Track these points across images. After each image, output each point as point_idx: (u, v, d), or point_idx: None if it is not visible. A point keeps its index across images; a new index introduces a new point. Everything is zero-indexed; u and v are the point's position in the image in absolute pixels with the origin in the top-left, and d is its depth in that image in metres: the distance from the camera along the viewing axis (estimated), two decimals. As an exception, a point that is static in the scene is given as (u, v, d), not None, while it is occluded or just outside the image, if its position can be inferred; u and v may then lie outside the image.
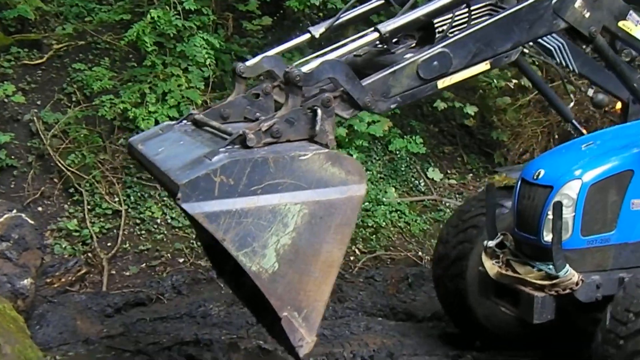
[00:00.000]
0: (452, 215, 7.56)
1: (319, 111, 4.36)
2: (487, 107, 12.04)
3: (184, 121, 5.39)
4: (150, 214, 9.39)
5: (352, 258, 9.41)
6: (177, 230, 9.38)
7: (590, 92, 6.63)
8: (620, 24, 5.25)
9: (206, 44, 9.76)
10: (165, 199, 9.52)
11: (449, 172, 11.67)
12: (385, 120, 10.58)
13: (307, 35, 5.66)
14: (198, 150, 4.49)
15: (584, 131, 6.87)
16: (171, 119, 9.16)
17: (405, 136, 11.03)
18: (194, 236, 9.22)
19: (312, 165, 4.14)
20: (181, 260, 9.06)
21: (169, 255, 9.10)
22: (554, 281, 5.53)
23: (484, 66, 4.92)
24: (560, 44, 6.12)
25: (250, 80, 5.58)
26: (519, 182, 6.03)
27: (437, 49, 4.70)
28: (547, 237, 5.65)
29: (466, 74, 4.87)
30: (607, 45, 5.37)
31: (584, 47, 6.45)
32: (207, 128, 5.07)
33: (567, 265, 5.51)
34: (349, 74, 4.49)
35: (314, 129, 4.37)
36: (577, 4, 5.01)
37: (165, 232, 9.33)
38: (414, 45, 5.29)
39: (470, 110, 11.31)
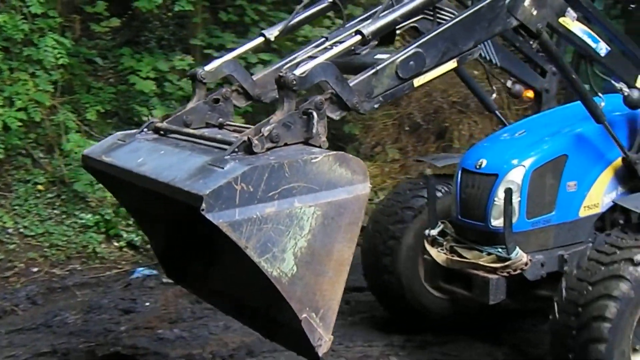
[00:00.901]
0: (379, 205, 7.78)
1: (314, 114, 4.46)
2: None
3: (145, 130, 5.33)
4: (1, 223, 9.13)
5: None
6: (29, 239, 9.18)
7: (509, 83, 7.06)
8: (561, 20, 5.62)
9: (58, 45, 9.54)
10: (16, 207, 9.32)
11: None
12: (237, 118, 10.61)
13: (261, 39, 5.72)
14: (194, 159, 4.48)
15: (506, 122, 7.31)
16: (21, 121, 9.13)
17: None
18: (47, 244, 9.12)
19: (322, 167, 4.23)
20: (35, 269, 8.89)
21: (22, 265, 8.91)
22: (506, 263, 5.88)
23: (452, 64, 5.12)
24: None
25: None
26: (460, 172, 6.35)
27: (411, 49, 4.88)
28: (495, 222, 6.02)
29: (437, 72, 5.06)
30: (550, 40, 5.77)
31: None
32: (180, 136, 5.05)
33: (517, 247, 5.88)
34: (339, 76, 4.60)
35: (310, 132, 4.46)
36: (526, 3, 5.33)
37: (18, 241, 9.11)
38: (375, 45, 5.45)
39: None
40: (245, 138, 4.32)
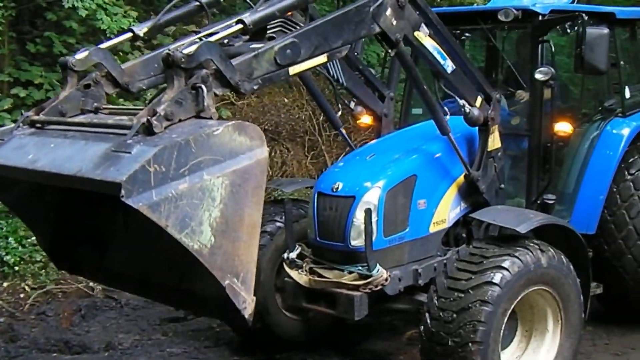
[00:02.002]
0: None
1: (203, 87, 4.57)
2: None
3: (21, 125, 5.19)
4: None
5: (22, 295, 9.19)
6: None
7: (352, 104, 7.38)
8: (416, 33, 6.02)
9: None
10: None
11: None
12: None
13: (129, 34, 5.75)
14: (93, 147, 4.46)
15: (349, 140, 7.66)
16: None
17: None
18: None
19: (224, 138, 4.35)
20: None
21: None
22: (368, 280, 6.14)
23: (323, 58, 5.44)
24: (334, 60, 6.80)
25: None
26: (316, 195, 6.57)
27: (289, 38, 5.17)
28: (354, 242, 6.28)
29: (310, 64, 5.37)
30: (407, 52, 6.17)
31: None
32: (63, 126, 4.99)
33: (378, 265, 6.17)
34: (222, 55, 4.76)
35: (201, 105, 4.59)
36: (388, 12, 5.72)
37: None
38: (247, 40, 5.63)
39: None
40: (144, 120, 4.36)
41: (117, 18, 10.42)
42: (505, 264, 5.96)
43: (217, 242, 4.24)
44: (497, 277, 5.89)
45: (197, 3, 5.94)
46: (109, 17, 10.35)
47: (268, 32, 5.79)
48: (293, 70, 5.23)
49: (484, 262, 6.02)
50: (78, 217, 5.51)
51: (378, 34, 5.79)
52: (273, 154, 12.37)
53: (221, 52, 4.75)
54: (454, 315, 5.86)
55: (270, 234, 7.21)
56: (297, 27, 6.21)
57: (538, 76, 6.98)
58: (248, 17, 5.06)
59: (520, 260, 6.03)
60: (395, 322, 8.12)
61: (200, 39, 5.02)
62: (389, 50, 6.02)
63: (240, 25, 5.04)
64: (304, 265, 6.57)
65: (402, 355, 7.59)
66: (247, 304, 4.42)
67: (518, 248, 6.15)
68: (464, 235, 7.01)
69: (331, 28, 5.41)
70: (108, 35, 10.29)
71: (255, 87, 5.00)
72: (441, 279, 6.13)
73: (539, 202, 7.32)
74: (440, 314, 5.93)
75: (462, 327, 5.80)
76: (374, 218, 6.24)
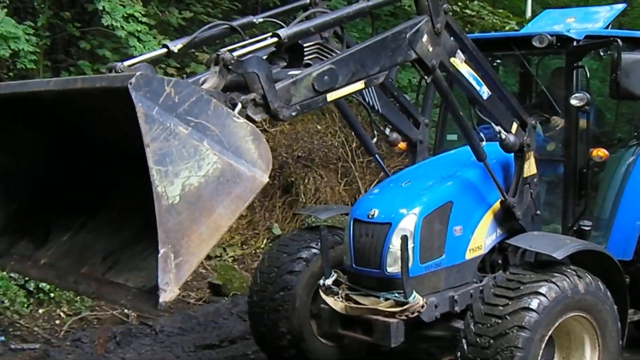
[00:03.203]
0: (265, 257, 7.80)
1: (237, 108, 4.53)
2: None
3: None
4: None
5: (57, 322, 9.27)
6: None
7: (387, 131, 7.40)
8: (452, 60, 6.04)
9: None
10: None
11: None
12: None
13: (164, 50, 5.73)
14: None
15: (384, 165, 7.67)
16: None
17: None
18: None
19: (239, 130, 4.29)
20: None
21: None
22: (404, 307, 6.13)
23: (360, 85, 5.43)
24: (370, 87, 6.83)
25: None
26: (352, 222, 6.57)
27: (326, 64, 5.15)
28: (390, 268, 6.27)
29: (348, 90, 5.36)
30: (443, 78, 6.16)
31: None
32: None
33: (414, 291, 6.17)
34: (270, 75, 4.75)
35: None
36: (424, 39, 5.73)
37: None
38: (285, 66, 5.59)
39: None
40: None
41: (149, 45, 10.52)
42: (543, 290, 5.93)
43: (179, 206, 4.04)
44: (534, 303, 5.86)
45: (230, 25, 5.98)
46: (142, 45, 10.45)
47: (305, 59, 5.83)
48: (330, 96, 5.23)
49: (521, 287, 5.99)
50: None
51: (414, 60, 5.80)
52: (306, 180, 12.40)
53: (269, 72, 4.74)
54: (491, 341, 5.82)
55: (306, 260, 7.25)
56: (333, 54, 6.28)
57: (573, 102, 6.96)
58: (283, 32, 5.04)
59: (557, 286, 6.00)
60: (431, 349, 8.07)
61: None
62: (425, 77, 6.03)
63: (275, 39, 5.01)
64: (340, 291, 6.56)
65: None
66: (168, 288, 4.05)
67: (555, 274, 6.12)
68: (499, 261, 6.99)
69: (368, 54, 5.42)
70: (141, 61, 10.42)
71: (293, 114, 4.97)
72: (478, 305, 6.10)
73: (575, 228, 7.30)
74: (477, 339, 5.90)
75: (499, 353, 5.77)
76: (410, 245, 6.22)
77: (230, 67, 4.56)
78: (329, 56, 6.17)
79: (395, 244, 6.23)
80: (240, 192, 4.28)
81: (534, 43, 7.08)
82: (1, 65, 10.41)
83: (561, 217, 7.46)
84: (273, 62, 5.36)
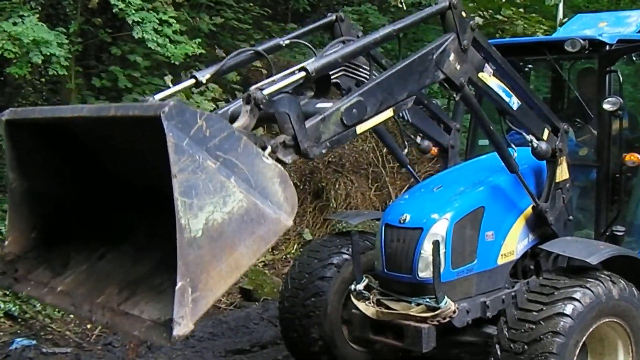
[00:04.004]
0: (295, 263, 7.81)
1: (267, 151, 4.51)
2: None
3: None
4: None
5: (89, 326, 9.32)
6: None
7: (418, 139, 7.39)
8: (480, 75, 6.00)
9: None
10: None
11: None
12: None
13: (192, 80, 5.76)
14: None
15: (417, 176, 7.65)
16: None
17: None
18: None
19: (267, 171, 4.28)
20: None
21: None
22: (436, 312, 6.12)
23: (389, 113, 5.37)
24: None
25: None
26: (383, 227, 6.57)
27: (354, 97, 5.09)
28: (422, 274, 6.25)
29: (377, 120, 5.29)
30: (472, 94, 6.16)
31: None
32: None
33: (446, 297, 6.15)
34: (300, 115, 4.74)
35: None
36: (451, 58, 5.68)
37: None
38: (312, 96, 5.56)
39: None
40: None
41: (180, 46, 10.55)
42: (577, 295, 5.89)
43: (201, 241, 4.03)
44: (568, 309, 5.82)
45: (256, 50, 5.96)
46: (173, 46, 10.48)
47: (332, 77, 5.83)
48: (360, 129, 5.17)
49: (555, 293, 5.96)
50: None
51: (442, 80, 5.76)
52: (337, 186, 12.42)
53: (299, 112, 4.73)
54: (525, 346, 5.79)
55: (337, 266, 7.26)
56: (360, 69, 6.28)
57: (606, 106, 6.93)
58: (311, 65, 4.98)
59: (591, 291, 5.96)
60: (462, 354, 8.05)
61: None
62: (454, 95, 6.01)
63: (303, 73, 4.95)
64: (371, 296, 6.55)
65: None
66: (182, 321, 4.04)
67: (589, 279, 6.08)
68: (531, 267, 6.95)
69: (395, 81, 5.36)
70: (173, 61, 10.48)
71: (323, 152, 4.93)
72: (511, 311, 6.08)
73: (607, 233, 7.26)
74: (511, 345, 5.87)
75: (533, 359, 5.74)
76: (442, 250, 6.20)
77: (261, 106, 4.57)
78: (356, 72, 6.24)
79: (427, 249, 6.21)
80: (264, 234, 4.27)
81: (566, 48, 7.04)
82: (34, 71, 10.49)
83: (594, 223, 7.42)
84: (300, 93, 5.32)
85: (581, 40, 6.99)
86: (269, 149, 4.52)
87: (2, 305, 9.26)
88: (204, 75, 5.72)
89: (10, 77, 10.65)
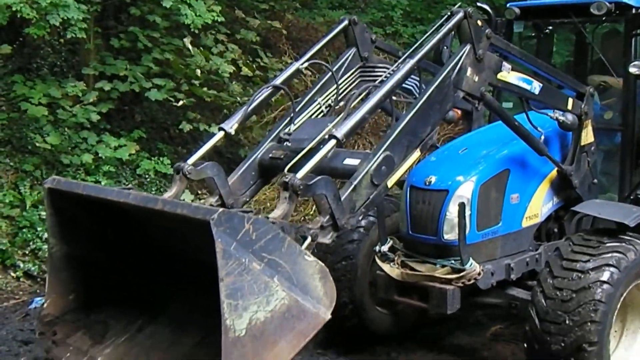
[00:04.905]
0: None
1: (306, 242, 4.73)
2: (235, 125, 12.39)
3: None
4: None
5: None
6: None
7: None
8: (499, 76, 6.01)
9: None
10: None
11: (199, 192, 11.90)
12: (132, 144, 10.63)
13: (222, 134, 5.84)
14: None
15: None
16: None
17: (152, 158, 11.11)
18: None
19: (308, 268, 4.48)
20: None
21: None
22: (461, 274, 6.13)
23: (417, 154, 5.46)
24: (416, 82, 6.77)
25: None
26: (408, 189, 6.55)
27: (380, 154, 5.15)
28: (447, 235, 6.25)
29: (405, 167, 5.38)
30: (493, 98, 6.20)
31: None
32: None
33: (471, 259, 6.17)
34: (337, 194, 4.86)
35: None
36: (468, 73, 5.66)
37: None
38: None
39: (217, 130, 11.53)
40: None
41: (200, 13, 10.49)
42: (622, 249, 6.00)
43: (245, 339, 4.20)
44: (616, 260, 5.92)
45: (275, 86, 6.03)
46: (193, 12, 10.44)
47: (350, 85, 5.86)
48: (391, 182, 5.26)
49: (601, 246, 6.05)
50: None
51: (463, 97, 5.78)
52: (357, 147, 12.34)
53: (335, 191, 4.84)
54: (573, 294, 5.83)
55: (366, 228, 7.27)
56: (376, 69, 6.31)
57: (632, 70, 6.90)
58: (339, 132, 5.03)
59: (636, 248, 6.08)
60: (479, 317, 8.12)
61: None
62: (476, 105, 6.04)
63: (333, 142, 5.01)
64: (395, 258, 6.58)
65: (487, 351, 7.58)
66: None
67: (628, 239, 6.19)
68: (555, 230, 6.99)
69: (417, 121, 5.39)
70: (192, 29, 10.46)
71: (360, 219, 5.15)
72: (556, 260, 6.12)
73: (632, 197, 7.26)
74: (557, 292, 5.90)
75: (581, 306, 5.78)
76: (467, 212, 6.20)
77: (299, 192, 4.70)
78: (372, 75, 6.28)
79: (452, 211, 6.21)
80: (303, 328, 4.44)
81: (592, 10, 6.98)
82: (52, 32, 10.44)
83: (618, 186, 7.42)
84: (323, 114, 5.62)
85: (607, 3, 6.93)
86: (308, 240, 4.72)
87: (22, 265, 9.34)
88: (232, 125, 5.82)
89: (29, 37, 10.57)
